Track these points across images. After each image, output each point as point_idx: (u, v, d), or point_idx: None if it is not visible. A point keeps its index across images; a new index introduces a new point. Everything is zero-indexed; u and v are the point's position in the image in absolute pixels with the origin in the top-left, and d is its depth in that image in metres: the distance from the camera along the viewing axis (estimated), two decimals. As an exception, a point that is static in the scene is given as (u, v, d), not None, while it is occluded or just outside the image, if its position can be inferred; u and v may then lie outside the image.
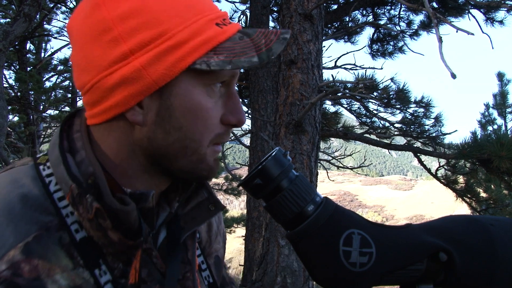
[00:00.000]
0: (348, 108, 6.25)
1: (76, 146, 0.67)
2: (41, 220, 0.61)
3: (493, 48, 3.38)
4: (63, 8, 11.02)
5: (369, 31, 6.98)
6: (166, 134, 0.66)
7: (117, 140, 0.68)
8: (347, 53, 5.80)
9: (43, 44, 11.56)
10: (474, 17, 5.69)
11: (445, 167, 4.99)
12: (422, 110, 5.70)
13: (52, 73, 11.73)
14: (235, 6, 7.08)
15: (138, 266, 0.66)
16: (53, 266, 0.59)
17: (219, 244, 0.96)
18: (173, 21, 0.62)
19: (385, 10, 6.56)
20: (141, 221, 0.66)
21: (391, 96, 5.69)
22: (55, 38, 11.28)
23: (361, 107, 6.01)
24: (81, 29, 0.64)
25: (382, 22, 6.60)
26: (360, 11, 6.62)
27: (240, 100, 0.73)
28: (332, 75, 3.73)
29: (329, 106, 6.52)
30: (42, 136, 9.69)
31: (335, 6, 6.30)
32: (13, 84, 8.90)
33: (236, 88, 0.72)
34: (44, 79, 10.87)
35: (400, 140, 6.00)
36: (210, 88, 0.66)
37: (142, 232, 0.66)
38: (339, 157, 7.19)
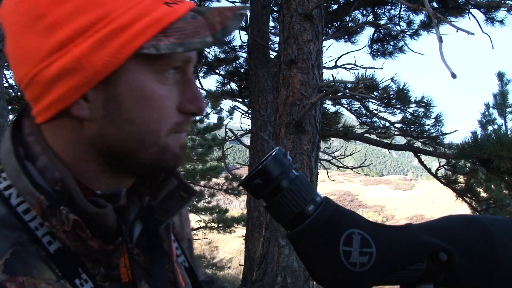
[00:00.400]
0: (348, 108, 6.25)
1: (33, 151, 0.61)
2: (10, 237, 0.56)
3: (493, 48, 3.39)
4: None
5: (369, 31, 6.98)
6: (118, 129, 0.60)
7: (67, 140, 0.62)
8: (347, 53, 5.80)
9: (43, 44, 11.57)
10: (474, 17, 5.69)
11: (445, 167, 4.99)
12: (422, 110, 5.71)
13: (52, 73, 11.74)
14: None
15: (128, 263, 0.63)
16: (38, 280, 0.56)
17: (188, 227, 0.92)
18: (115, 2, 0.56)
19: (385, 10, 6.56)
20: (119, 222, 0.63)
21: (391, 96, 5.69)
22: (55, 38, 11.28)
23: (361, 107, 6.01)
24: (13, 17, 0.57)
25: (382, 22, 6.60)
26: (360, 11, 6.62)
27: (199, 86, 0.70)
28: (332, 75, 3.73)
29: (329, 106, 6.53)
30: (42, 136, 9.70)
31: (335, 6, 6.30)
32: (13, 84, 8.90)
33: (192, 73, 0.66)
34: (44, 79, 10.87)
35: (400, 140, 6.00)
36: (162, 74, 0.61)
37: (122, 232, 0.63)
38: (339, 157, 7.19)
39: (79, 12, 0.55)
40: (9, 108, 7.68)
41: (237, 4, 6.86)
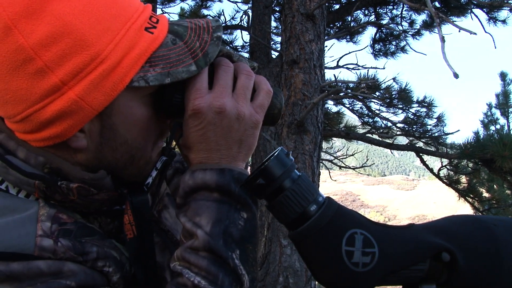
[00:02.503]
0: (350, 108, 6.24)
1: (8, 146, 0.64)
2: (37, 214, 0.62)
3: (495, 47, 3.38)
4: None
5: (371, 31, 6.96)
6: (113, 151, 0.66)
7: (59, 159, 0.65)
8: (349, 53, 5.80)
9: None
10: (476, 16, 5.67)
11: (448, 167, 4.98)
12: (424, 110, 5.69)
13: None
14: (237, 6, 7.08)
15: (132, 219, 0.68)
16: (74, 216, 0.66)
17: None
18: (102, 40, 0.57)
19: (387, 10, 6.54)
20: (115, 184, 0.69)
21: (393, 96, 5.68)
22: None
23: (363, 107, 6.00)
24: None
25: (384, 22, 6.59)
26: (362, 10, 6.61)
27: None
28: (334, 75, 3.73)
29: (331, 106, 6.52)
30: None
31: (337, 6, 6.29)
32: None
33: None
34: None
35: (403, 140, 5.99)
36: (146, 96, 0.66)
37: (122, 191, 0.69)
38: (341, 157, 7.18)
39: (69, 54, 0.56)
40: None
41: (239, 5, 6.87)
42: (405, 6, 6.12)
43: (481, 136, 4.27)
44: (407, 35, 6.57)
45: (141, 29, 0.62)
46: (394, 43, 6.72)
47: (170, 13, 7.72)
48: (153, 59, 0.61)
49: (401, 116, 5.90)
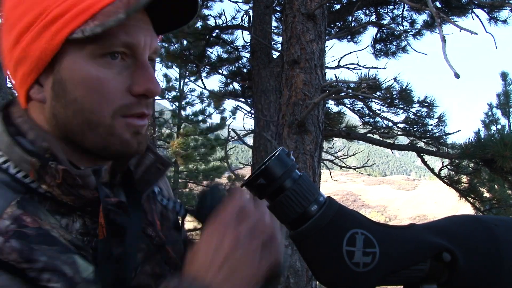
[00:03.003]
0: (351, 108, 6.24)
1: (23, 128, 0.70)
2: (14, 196, 0.63)
3: (496, 47, 3.38)
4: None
5: (372, 31, 6.95)
6: (64, 108, 0.68)
7: (41, 121, 0.71)
8: (350, 53, 5.79)
9: (47, 44, 11.59)
10: (477, 16, 5.67)
11: (449, 167, 4.98)
12: (425, 110, 5.68)
13: (56, 73, 11.77)
14: (238, 6, 7.08)
15: (103, 222, 0.68)
16: (44, 222, 0.63)
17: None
18: None
19: (388, 10, 6.54)
20: (99, 185, 0.70)
21: (394, 96, 5.67)
22: (59, 38, 11.30)
23: (364, 107, 5.99)
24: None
25: (385, 22, 6.58)
26: (363, 10, 6.60)
27: (154, 71, 0.71)
28: (335, 75, 3.72)
29: (332, 106, 6.51)
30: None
31: (338, 6, 6.29)
32: (17, 84, 8.92)
33: (145, 59, 0.71)
34: (48, 79, 10.90)
35: (403, 140, 5.99)
36: (103, 59, 0.67)
37: (100, 192, 0.69)
38: (342, 157, 7.18)
39: (26, 12, 0.65)
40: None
41: (239, 5, 6.87)
42: (406, 6, 6.12)
43: (482, 136, 4.26)
44: (408, 35, 6.56)
45: None
46: (395, 43, 6.71)
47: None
48: (97, 15, 0.64)
49: (402, 116, 5.89)
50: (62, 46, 0.65)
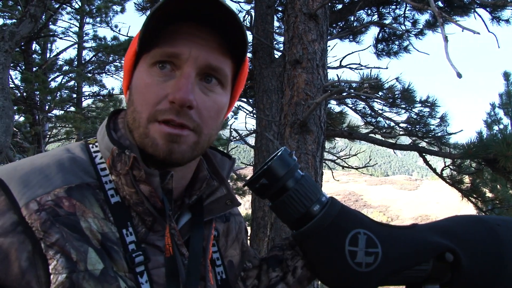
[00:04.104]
0: (353, 108, 6.23)
1: (118, 126, 0.84)
2: (84, 178, 0.75)
3: (499, 47, 3.36)
4: (69, 9, 11.08)
5: (374, 31, 6.97)
6: (129, 108, 0.80)
7: (127, 121, 0.82)
8: (352, 52, 5.77)
9: (49, 45, 11.61)
10: (480, 16, 5.65)
11: (451, 167, 4.97)
12: (427, 109, 5.67)
13: (58, 74, 11.79)
14: (240, 6, 7.08)
15: (170, 241, 0.75)
16: (87, 210, 0.71)
17: (235, 250, 1.00)
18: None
19: (390, 10, 6.53)
20: (164, 198, 0.77)
21: (396, 95, 5.66)
22: (61, 38, 11.33)
23: (366, 106, 5.99)
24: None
25: (387, 22, 6.58)
26: (365, 10, 6.60)
27: (189, 81, 0.74)
28: (337, 75, 3.72)
29: (334, 106, 6.51)
30: (48, 136, 9.74)
31: (340, 6, 6.28)
32: (19, 84, 8.93)
33: (188, 70, 0.75)
34: (50, 79, 10.93)
35: (405, 140, 5.97)
36: (154, 68, 0.76)
37: (166, 209, 0.76)
38: (344, 157, 7.17)
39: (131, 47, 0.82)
40: (15, 108, 7.71)
41: (241, 5, 6.86)
42: (408, 5, 6.11)
43: (484, 136, 4.26)
44: (410, 34, 6.56)
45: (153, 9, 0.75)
46: (397, 42, 6.71)
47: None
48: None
49: (404, 116, 5.89)
50: (137, 56, 0.79)
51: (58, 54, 11.77)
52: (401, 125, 5.82)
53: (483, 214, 4.71)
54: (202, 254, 0.83)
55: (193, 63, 0.74)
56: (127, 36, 9.65)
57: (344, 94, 4.05)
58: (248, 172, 11.81)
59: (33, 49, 10.36)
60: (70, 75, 11.42)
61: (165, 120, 0.74)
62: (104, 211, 0.74)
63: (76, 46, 11.91)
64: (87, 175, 0.76)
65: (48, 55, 11.51)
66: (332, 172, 7.87)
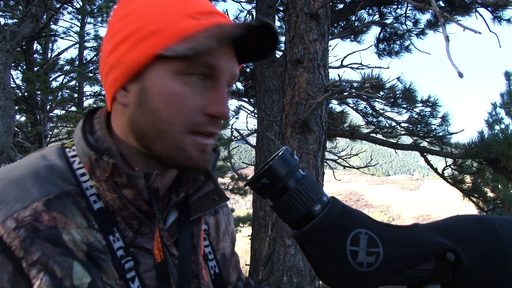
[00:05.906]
0: (354, 107, 6.23)
1: (95, 128, 0.79)
2: (63, 186, 0.71)
3: (500, 47, 3.36)
4: (70, 9, 11.08)
5: (375, 30, 6.94)
6: (144, 116, 0.73)
7: (118, 122, 0.78)
8: (353, 52, 5.78)
9: (50, 45, 11.62)
10: (481, 15, 5.64)
11: (452, 166, 4.96)
12: (428, 109, 5.67)
13: (59, 73, 11.80)
14: (241, 6, 7.08)
15: (160, 246, 0.74)
16: (69, 221, 0.68)
17: (226, 243, 1.01)
18: (151, 17, 0.71)
19: (392, 9, 6.53)
20: (151, 198, 0.75)
21: (398, 95, 5.66)
22: (62, 38, 11.34)
23: (367, 106, 5.99)
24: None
25: (388, 21, 6.57)
26: (366, 10, 6.60)
27: (229, 96, 0.76)
28: (338, 75, 3.72)
29: (335, 105, 6.51)
30: (49, 136, 9.74)
31: (341, 5, 6.27)
32: (20, 84, 8.94)
33: (223, 83, 0.76)
34: (51, 79, 10.93)
35: (407, 140, 5.97)
36: (188, 78, 0.72)
37: (155, 211, 0.75)
38: (345, 157, 7.17)
39: (126, 25, 0.72)
40: (16, 108, 7.72)
41: (243, 4, 6.87)
42: (409, 5, 6.11)
43: (486, 136, 4.26)
44: (412, 34, 6.55)
45: (187, 16, 0.72)
46: (398, 42, 6.70)
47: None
48: (189, 39, 0.69)
49: (405, 116, 5.88)
50: (152, 59, 0.71)
51: (60, 54, 11.79)
52: (403, 124, 5.82)
53: (484, 213, 4.71)
54: (193, 252, 0.83)
55: (226, 74, 0.75)
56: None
57: (346, 94, 4.05)
58: (249, 172, 11.81)
59: (35, 49, 10.38)
60: (71, 75, 11.44)
61: (207, 132, 0.75)
62: (88, 219, 0.71)
63: (77, 46, 11.92)
64: (66, 182, 0.72)
65: (49, 55, 11.52)
66: (334, 172, 7.87)
